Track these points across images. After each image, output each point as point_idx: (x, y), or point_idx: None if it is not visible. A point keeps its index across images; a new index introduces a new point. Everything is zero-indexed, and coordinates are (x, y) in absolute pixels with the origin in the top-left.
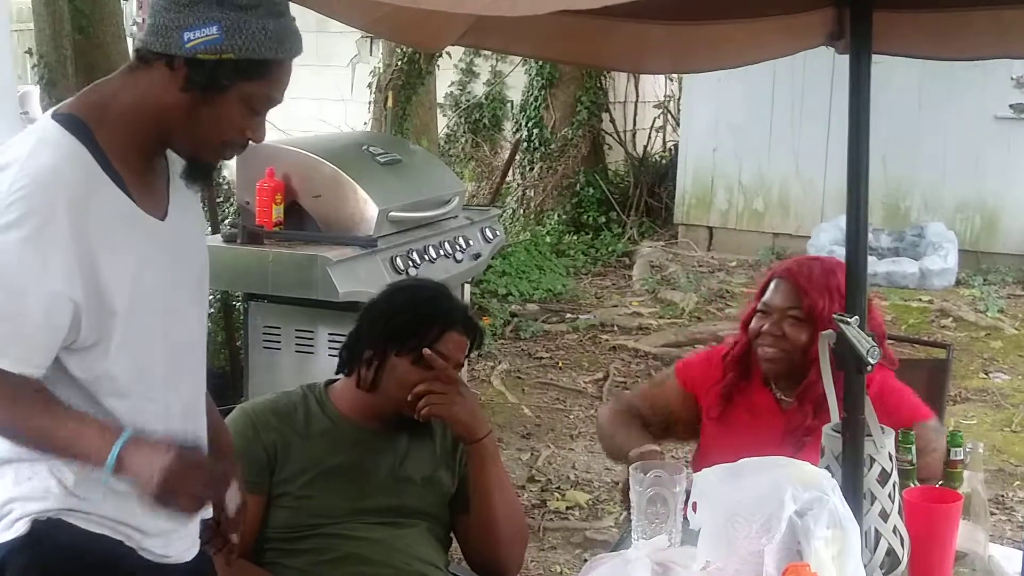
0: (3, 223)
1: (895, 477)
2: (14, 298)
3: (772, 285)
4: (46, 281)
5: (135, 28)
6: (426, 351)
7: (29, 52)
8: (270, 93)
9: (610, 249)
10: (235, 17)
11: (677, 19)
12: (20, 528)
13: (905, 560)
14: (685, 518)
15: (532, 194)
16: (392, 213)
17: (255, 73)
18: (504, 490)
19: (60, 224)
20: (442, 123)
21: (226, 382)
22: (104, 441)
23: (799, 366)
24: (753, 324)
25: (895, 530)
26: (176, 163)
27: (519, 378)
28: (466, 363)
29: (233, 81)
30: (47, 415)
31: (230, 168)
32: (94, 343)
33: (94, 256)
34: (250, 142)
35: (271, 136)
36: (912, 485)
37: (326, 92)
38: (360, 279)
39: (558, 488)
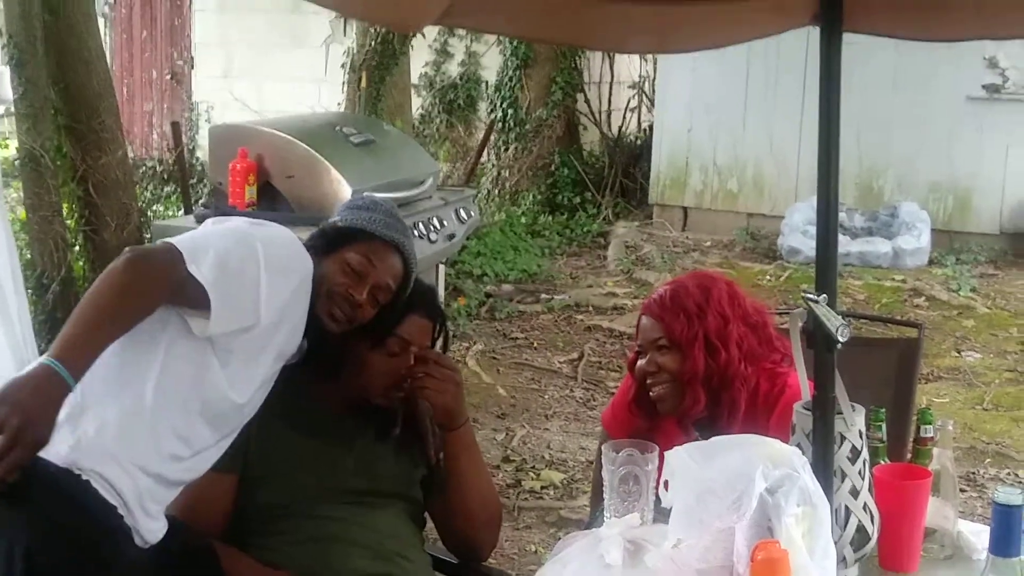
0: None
1: (865, 454)
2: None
3: (640, 324)
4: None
5: (107, 8)
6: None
7: None
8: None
9: (585, 230)
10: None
11: None
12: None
13: (875, 536)
14: (657, 496)
15: (507, 175)
16: (366, 194)
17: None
18: (480, 476)
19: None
20: (416, 104)
21: None
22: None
23: (685, 392)
24: (638, 366)
25: (865, 507)
26: None
27: (494, 358)
28: (437, 346)
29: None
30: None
31: (203, 148)
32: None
33: None
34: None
35: (243, 116)
36: (882, 462)
37: (299, 72)
38: None
39: (533, 468)
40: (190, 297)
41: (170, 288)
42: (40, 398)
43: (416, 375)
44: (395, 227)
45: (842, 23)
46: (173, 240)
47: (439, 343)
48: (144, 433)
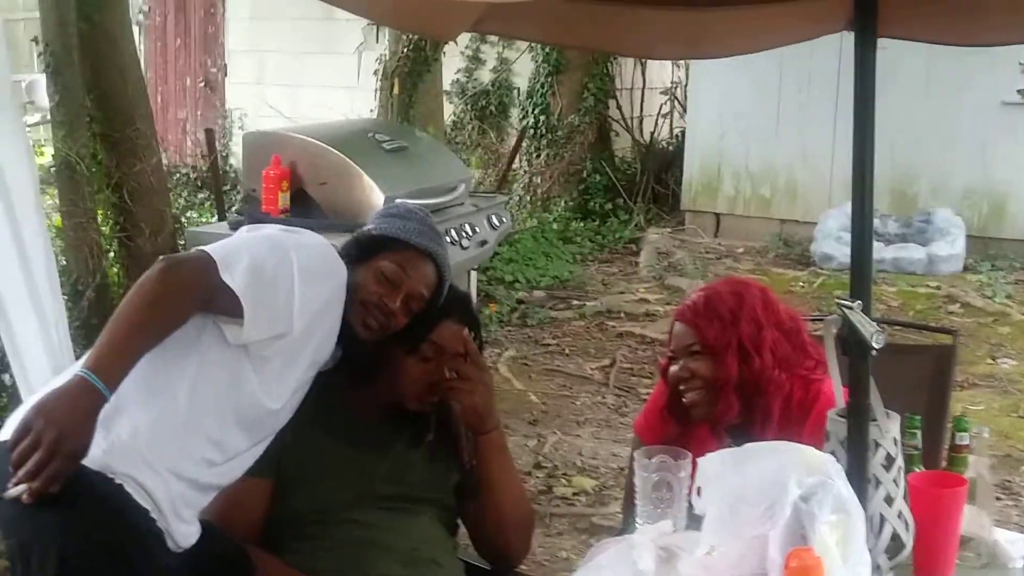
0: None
1: (900, 462)
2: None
3: (673, 330)
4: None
5: (141, 17)
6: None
7: (35, 40)
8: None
9: (617, 236)
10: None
11: (690, 5)
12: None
13: (910, 545)
14: (690, 503)
15: (539, 181)
16: (398, 200)
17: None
18: (511, 479)
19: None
20: (448, 110)
21: None
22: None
23: (718, 398)
24: (670, 372)
25: (900, 515)
26: None
27: (526, 365)
28: None
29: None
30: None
31: (236, 155)
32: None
33: None
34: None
35: (277, 123)
36: (917, 470)
37: (332, 79)
38: None
39: (564, 474)
40: (224, 305)
41: (203, 297)
42: (76, 410)
43: (447, 376)
44: (429, 235)
45: (876, 28)
46: (207, 248)
47: None
48: (177, 438)
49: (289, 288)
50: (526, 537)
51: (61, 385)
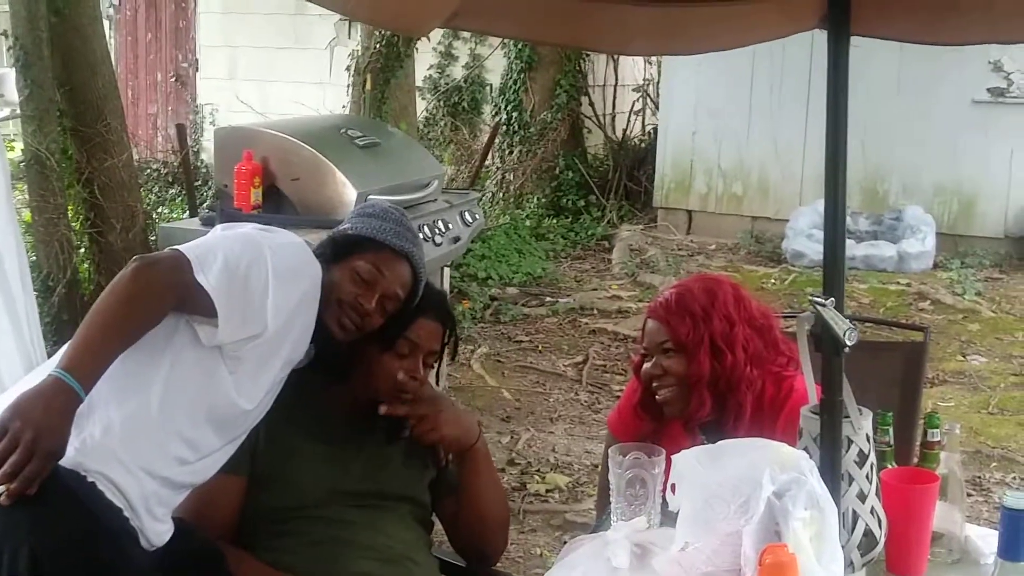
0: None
1: (873, 458)
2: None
3: (645, 327)
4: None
5: (111, 11)
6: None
7: (4, 34)
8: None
9: (589, 233)
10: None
11: (665, 1)
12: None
13: (882, 540)
14: (664, 499)
15: (511, 178)
16: (371, 196)
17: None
18: (494, 484)
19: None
20: (421, 106)
21: None
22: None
23: (691, 395)
24: (643, 369)
25: (872, 511)
26: None
27: (499, 361)
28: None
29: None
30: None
31: (208, 151)
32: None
33: None
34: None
35: (248, 118)
36: (889, 466)
37: (304, 75)
38: None
39: (538, 471)
40: (198, 305)
41: (177, 297)
42: (52, 410)
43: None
44: (405, 236)
45: (850, 27)
46: (182, 247)
47: (447, 348)
48: (150, 436)
49: (263, 288)
50: (505, 536)
51: (36, 386)
